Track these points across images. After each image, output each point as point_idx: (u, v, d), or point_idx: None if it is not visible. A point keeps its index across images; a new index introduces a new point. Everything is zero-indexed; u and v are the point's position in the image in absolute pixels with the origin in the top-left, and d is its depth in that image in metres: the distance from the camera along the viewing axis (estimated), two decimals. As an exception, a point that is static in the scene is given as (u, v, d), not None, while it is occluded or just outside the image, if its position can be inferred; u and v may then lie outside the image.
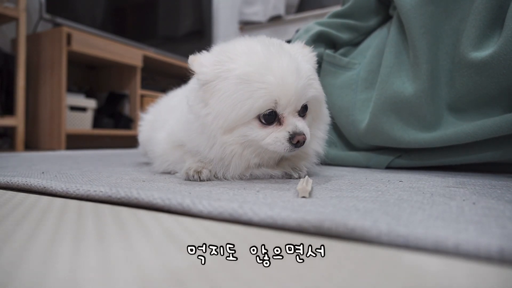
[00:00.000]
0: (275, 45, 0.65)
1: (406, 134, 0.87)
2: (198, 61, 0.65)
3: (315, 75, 0.69)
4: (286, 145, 0.62)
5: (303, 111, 0.66)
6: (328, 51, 1.12)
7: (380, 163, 0.95)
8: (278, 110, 0.62)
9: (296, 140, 0.62)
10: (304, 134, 0.62)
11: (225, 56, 0.63)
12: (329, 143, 1.06)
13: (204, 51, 0.68)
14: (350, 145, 1.08)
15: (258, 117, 0.62)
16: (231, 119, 0.61)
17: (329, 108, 0.81)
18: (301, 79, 0.62)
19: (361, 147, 1.03)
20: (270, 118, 0.62)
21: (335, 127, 1.09)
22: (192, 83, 0.71)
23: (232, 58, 0.63)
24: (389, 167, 0.95)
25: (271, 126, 0.63)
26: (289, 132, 0.62)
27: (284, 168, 0.72)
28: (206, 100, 0.63)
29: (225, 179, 0.68)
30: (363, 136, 0.98)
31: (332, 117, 0.83)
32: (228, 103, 0.61)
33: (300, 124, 0.64)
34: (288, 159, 0.73)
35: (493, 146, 0.79)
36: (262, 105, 0.61)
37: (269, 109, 0.62)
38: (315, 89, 0.67)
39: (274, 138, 0.62)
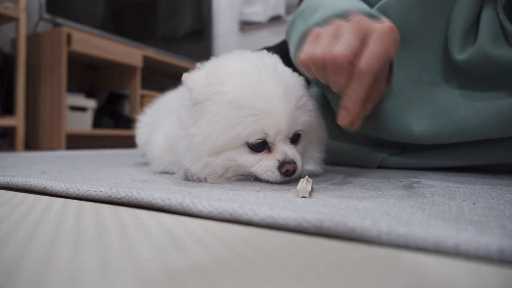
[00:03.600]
0: (267, 67, 0.62)
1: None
2: (192, 79, 0.64)
3: (308, 99, 0.66)
4: (277, 174, 0.60)
5: (296, 139, 0.64)
6: None
7: (373, 160, 0.91)
8: (268, 140, 0.60)
9: (285, 169, 0.60)
10: (294, 163, 0.60)
11: (217, 78, 0.62)
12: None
13: (197, 69, 0.67)
14: (344, 134, 0.98)
15: (247, 144, 0.61)
16: (219, 143, 0.60)
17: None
18: (290, 106, 0.60)
19: (357, 138, 0.96)
20: (259, 146, 0.61)
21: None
22: (184, 99, 0.70)
23: (224, 81, 0.61)
24: (382, 166, 0.92)
25: (260, 153, 0.62)
26: (278, 160, 0.60)
27: None
28: (195, 119, 0.62)
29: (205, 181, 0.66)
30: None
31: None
32: (217, 127, 0.59)
33: (291, 152, 0.61)
34: None
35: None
36: (250, 133, 0.59)
37: (258, 138, 0.60)
38: (309, 116, 0.64)
39: (264, 167, 0.61)
